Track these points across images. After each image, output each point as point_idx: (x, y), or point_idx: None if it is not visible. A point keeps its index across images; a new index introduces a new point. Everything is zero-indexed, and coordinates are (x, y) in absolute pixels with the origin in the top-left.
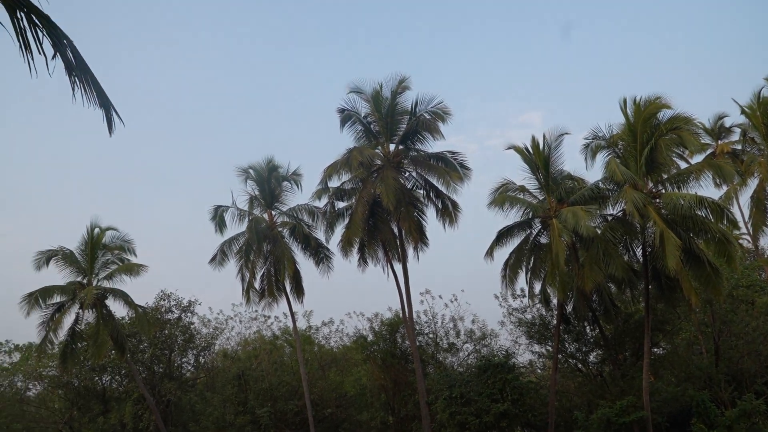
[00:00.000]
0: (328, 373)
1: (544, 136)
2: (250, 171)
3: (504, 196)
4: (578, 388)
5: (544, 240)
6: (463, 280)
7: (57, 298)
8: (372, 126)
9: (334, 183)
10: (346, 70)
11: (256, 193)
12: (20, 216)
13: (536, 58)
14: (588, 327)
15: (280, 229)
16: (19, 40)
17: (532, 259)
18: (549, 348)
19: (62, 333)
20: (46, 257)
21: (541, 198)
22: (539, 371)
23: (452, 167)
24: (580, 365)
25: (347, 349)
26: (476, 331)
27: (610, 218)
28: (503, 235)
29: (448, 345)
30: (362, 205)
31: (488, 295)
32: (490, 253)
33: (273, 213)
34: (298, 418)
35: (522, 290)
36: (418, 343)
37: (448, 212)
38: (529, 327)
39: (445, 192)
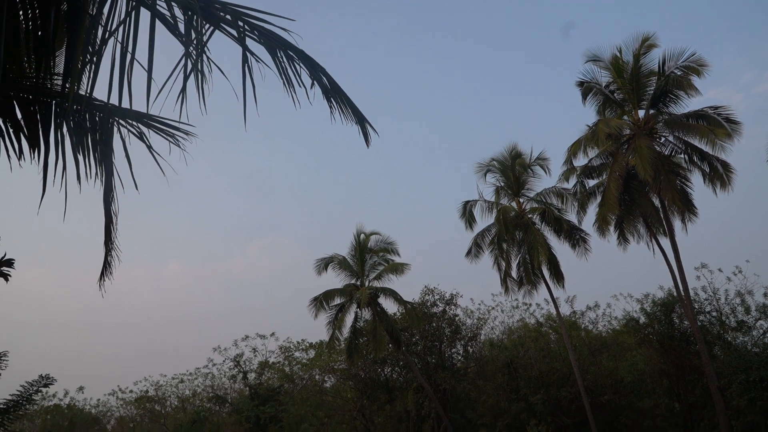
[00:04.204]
0: (599, 359)
1: None
2: (494, 163)
3: None
4: None
5: None
6: (744, 250)
7: (337, 300)
8: (615, 94)
9: (579, 161)
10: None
11: (501, 183)
12: (295, 230)
13: None
14: None
15: (530, 216)
16: (282, 77)
17: None
18: None
19: (346, 330)
20: (324, 263)
21: None
22: None
23: (716, 124)
24: None
25: (617, 333)
26: None
27: None
28: None
29: (737, 323)
30: (614, 180)
31: None
32: None
33: (521, 200)
34: (573, 405)
35: None
36: (699, 323)
37: (718, 175)
38: None
39: (711, 153)
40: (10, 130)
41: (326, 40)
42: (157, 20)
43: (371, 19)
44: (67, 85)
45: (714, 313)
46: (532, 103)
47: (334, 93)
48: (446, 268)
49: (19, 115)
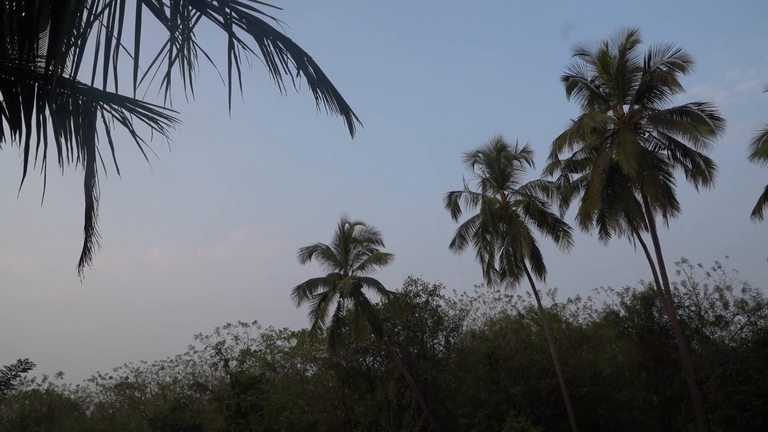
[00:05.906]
0: (579, 351)
1: None
2: (479, 154)
3: None
4: None
5: None
6: (724, 246)
7: (320, 289)
8: (601, 89)
9: (564, 155)
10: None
11: (487, 175)
12: (281, 218)
13: None
14: None
15: (514, 208)
16: (268, 64)
17: None
18: None
19: (328, 320)
20: (308, 252)
21: None
22: None
23: (700, 120)
24: None
25: (597, 326)
26: (749, 301)
27: None
28: None
29: (715, 318)
30: (598, 174)
31: (760, 260)
32: (757, 211)
33: (505, 193)
34: (552, 396)
35: None
36: (678, 317)
37: (700, 171)
38: None
39: (693, 149)
40: None
41: (315, 29)
42: (143, 4)
43: (362, 11)
44: (51, 68)
45: (693, 308)
46: (522, 99)
47: (320, 82)
48: (429, 259)
49: (1, 97)
